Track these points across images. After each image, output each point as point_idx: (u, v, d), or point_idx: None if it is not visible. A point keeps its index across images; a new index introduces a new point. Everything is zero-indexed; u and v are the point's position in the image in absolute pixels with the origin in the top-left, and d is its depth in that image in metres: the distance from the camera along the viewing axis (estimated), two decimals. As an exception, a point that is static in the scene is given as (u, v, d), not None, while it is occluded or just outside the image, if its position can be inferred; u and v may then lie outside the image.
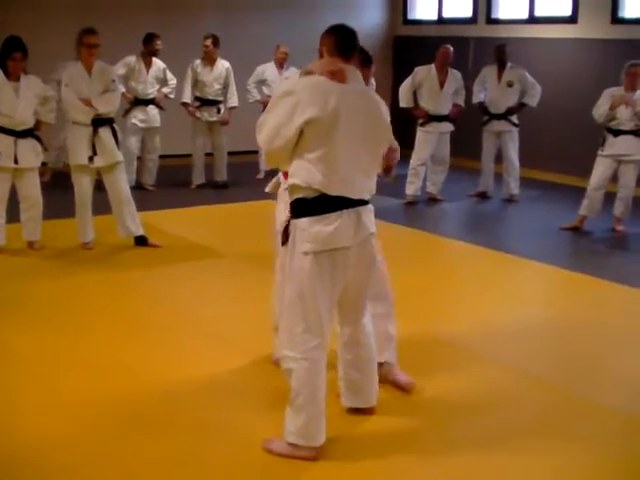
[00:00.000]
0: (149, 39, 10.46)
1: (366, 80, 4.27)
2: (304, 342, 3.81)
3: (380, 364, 4.53)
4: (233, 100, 11.06)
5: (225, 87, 11.02)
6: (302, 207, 3.81)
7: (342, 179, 3.79)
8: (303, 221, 3.79)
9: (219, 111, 11.03)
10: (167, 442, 4.04)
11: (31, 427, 4.16)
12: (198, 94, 10.97)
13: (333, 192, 3.75)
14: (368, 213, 4.01)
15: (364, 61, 4.40)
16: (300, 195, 3.81)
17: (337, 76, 3.80)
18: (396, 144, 4.32)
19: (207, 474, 3.77)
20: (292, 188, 3.84)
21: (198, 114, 10.95)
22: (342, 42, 3.95)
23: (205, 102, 10.99)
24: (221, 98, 11.02)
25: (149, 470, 3.78)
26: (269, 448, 3.93)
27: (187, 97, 10.92)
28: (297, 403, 3.84)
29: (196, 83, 10.94)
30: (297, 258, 3.82)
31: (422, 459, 3.94)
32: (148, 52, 10.51)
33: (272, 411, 4.17)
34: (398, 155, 4.34)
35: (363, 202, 3.95)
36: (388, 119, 4.08)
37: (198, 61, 10.90)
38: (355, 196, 3.85)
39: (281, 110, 3.77)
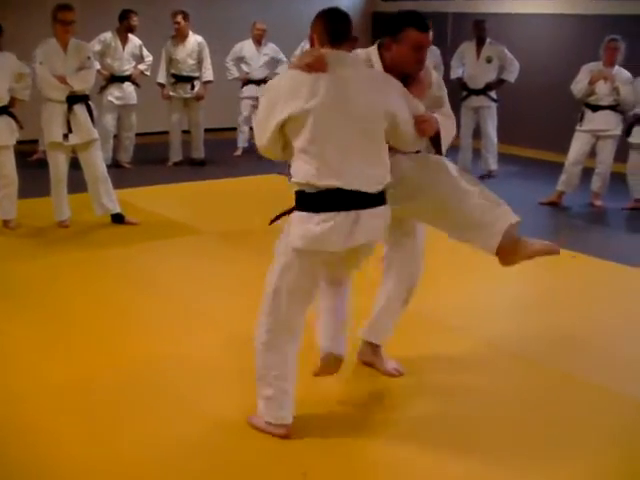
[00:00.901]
0: (125, 15, 10.35)
1: None
2: (272, 336, 3.83)
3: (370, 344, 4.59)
4: (207, 74, 10.95)
5: (199, 62, 10.92)
6: (301, 200, 3.73)
7: (333, 168, 3.63)
8: (296, 215, 3.73)
9: (193, 87, 10.95)
10: (151, 421, 4.03)
11: (14, 411, 4.14)
12: (173, 71, 10.88)
13: (324, 182, 3.61)
14: (372, 218, 3.73)
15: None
16: (300, 188, 3.73)
17: (315, 67, 3.69)
18: (438, 112, 4.14)
19: (187, 453, 3.75)
20: (295, 185, 3.76)
21: (172, 93, 10.89)
22: (331, 28, 3.79)
23: (180, 79, 10.89)
24: (196, 74, 10.92)
25: (134, 449, 3.77)
26: (251, 422, 3.97)
27: (162, 77, 10.83)
28: (263, 383, 3.90)
29: (170, 61, 10.86)
30: (285, 249, 3.78)
31: (399, 435, 3.94)
32: (124, 28, 10.39)
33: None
34: (434, 124, 4.02)
35: (369, 202, 3.71)
36: (397, 92, 3.86)
37: (170, 40, 10.81)
38: (354, 186, 3.62)
39: (262, 108, 3.78)
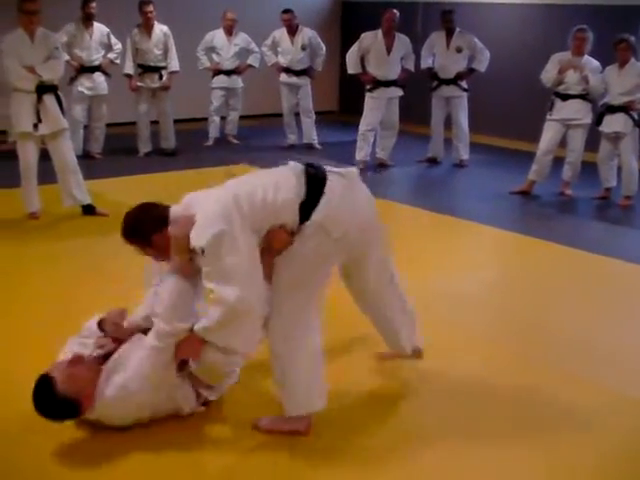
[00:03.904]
0: (84, 2, 10.24)
1: None
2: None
3: None
4: (173, 64, 10.88)
5: (165, 52, 10.86)
6: None
7: None
8: None
9: (161, 77, 10.88)
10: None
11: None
12: (140, 61, 10.81)
13: None
14: None
15: None
16: None
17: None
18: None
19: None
20: None
21: (140, 83, 10.83)
22: None
23: (147, 69, 10.82)
24: (163, 64, 10.84)
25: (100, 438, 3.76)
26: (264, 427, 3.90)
27: (129, 68, 10.75)
28: None
29: (137, 51, 10.78)
30: None
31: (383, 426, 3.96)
32: (84, 16, 10.31)
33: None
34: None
35: None
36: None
37: (136, 30, 10.74)
38: None
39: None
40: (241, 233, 3.56)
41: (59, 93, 7.52)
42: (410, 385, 4.43)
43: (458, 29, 10.59)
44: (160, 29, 10.77)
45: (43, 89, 7.35)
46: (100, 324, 4.01)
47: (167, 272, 3.86)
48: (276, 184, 3.74)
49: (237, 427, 3.91)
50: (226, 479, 3.58)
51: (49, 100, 7.38)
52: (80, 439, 3.75)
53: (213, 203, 3.65)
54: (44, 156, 7.68)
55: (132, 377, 3.67)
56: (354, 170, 4.01)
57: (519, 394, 4.34)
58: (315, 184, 3.76)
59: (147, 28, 10.70)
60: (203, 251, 3.54)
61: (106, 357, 3.82)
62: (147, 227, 3.87)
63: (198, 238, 3.57)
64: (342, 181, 3.86)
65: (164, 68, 10.85)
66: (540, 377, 4.54)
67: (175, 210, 3.83)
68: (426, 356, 4.58)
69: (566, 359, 4.81)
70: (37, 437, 3.76)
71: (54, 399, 3.56)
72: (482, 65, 10.55)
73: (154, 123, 11.12)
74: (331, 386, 3.87)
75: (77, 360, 3.69)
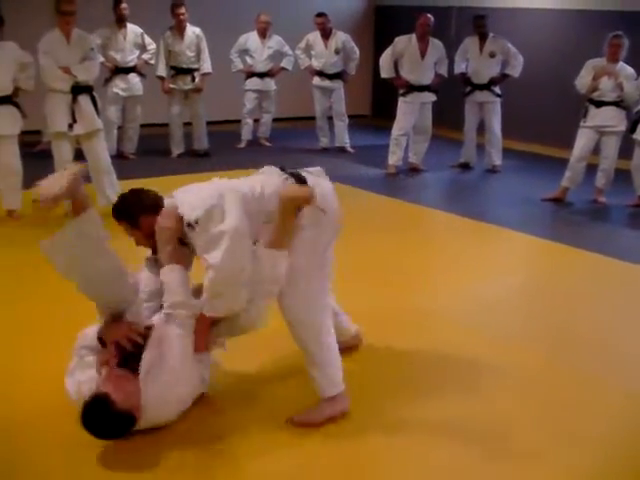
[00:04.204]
0: (115, 3, 10.33)
1: None
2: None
3: None
4: (205, 66, 10.93)
5: (198, 54, 10.90)
6: None
7: None
8: None
9: (194, 79, 10.93)
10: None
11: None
12: (172, 64, 10.87)
13: None
14: None
15: None
16: None
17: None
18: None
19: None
20: None
21: (172, 85, 10.88)
22: None
23: (180, 71, 10.88)
24: (195, 66, 10.90)
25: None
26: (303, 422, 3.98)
27: (162, 71, 10.82)
28: None
29: (169, 53, 10.84)
30: None
31: (402, 430, 3.95)
32: (117, 17, 10.40)
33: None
34: None
35: None
36: None
37: (168, 32, 10.79)
38: None
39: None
40: (232, 205, 3.75)
41: (94, 94, 7.58)
42: (443, 386, 4.42)
43: (492, 34, 10.55)
44: (192, 31, 10.82)
45: (78, 90, 7.43)
46: (101, 339, 3.92)
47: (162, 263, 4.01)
48: (262, 181, 4.02)
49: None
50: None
51: (84, 101, 7.45)
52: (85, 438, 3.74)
53: (207, 186, 3.97)
54: (78, 156, 7.74)
55: (172, 375, 3.72)
56: (320, 168, 4.28)
57: (547, 397, 4.32)
58: (297, 180, 4.02)
59: (179, 30, 10.76)
60: (197, 222, 3.72)
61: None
62: (135, 209, 4.07)
63: (192, 211, 3.76)
64: (315, 179, 4.10)
65: (197, 70, 10.91)
66: (568, 381, 4.52)
67: (167, 202, 3.99)
68: (456, 358, 4.59)
69: (593, 364, 4.78)
70: (40, 435, 3.80)
71: (114, 417, 3.55)
72: (516, 70, 10.50)
73: (187, 125, 11.18)
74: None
75: (124, 375, 3.71)
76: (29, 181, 7.64)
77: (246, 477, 3.57)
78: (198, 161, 10.77)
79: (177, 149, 11.17)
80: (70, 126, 7.41)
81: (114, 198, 7.66)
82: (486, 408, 4.19)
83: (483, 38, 10.53)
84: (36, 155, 9.77)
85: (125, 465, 3.60)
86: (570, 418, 4.12)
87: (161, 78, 10.83)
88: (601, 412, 4.20)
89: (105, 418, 3.55)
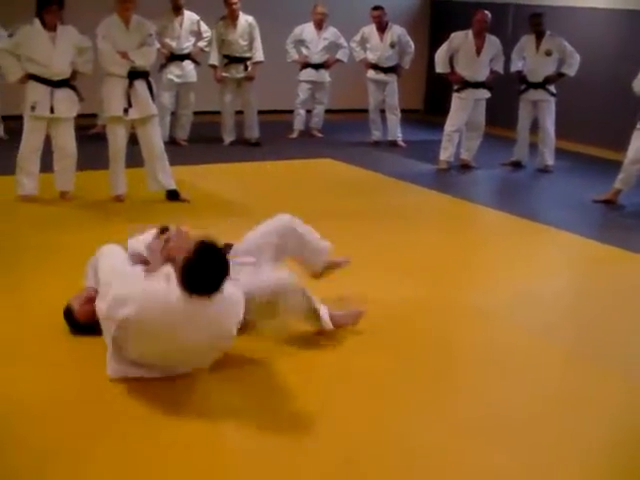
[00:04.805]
0: None
1: None
2: None
3: None
4: (258, 55, 10.95)
5: (250, 43, 10.94)
6: None
7: None
8: None
9: (246, 68, 10.97)
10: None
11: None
12: (225, 52, 10.92)
13: None
14: None
15: None
16: None
17: None
18: None
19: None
20: None
21: (225, 73, 10.95)
22: None
23: (232, 59, 10.93)
24: (248, 54, 10.93)
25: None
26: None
27: (214, 59, 10.88)
28: None
29: (222, 42, 10.90)
30: None
31: (444, 425, 3.95)
32: (173, 5, 10.49)
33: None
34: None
35: None
36: None
37: (221, 21, 10.84)
38: None
39: None
40: None
41: (150, 79, 7.65)
42: (487, 381, 4.42)
43: (548, 32, 10.44)
44: (245, 20, 10.86)
45: (135, 75, 7.50)
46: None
47: None
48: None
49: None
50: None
51: (140, 86, 7.52)
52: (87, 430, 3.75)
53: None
54: (132, 141, 7.83)
55: None
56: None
57: (592, 402, 4.30)
58: None
59: (232, 19, 10.80)
60: None
61: None
62: None
63: None
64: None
65: (249, 59, 10.94)
66: (610, 385, 4.48)
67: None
68: (501, 356, 4.59)
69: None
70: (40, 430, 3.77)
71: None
72: (572, 69, 10.39)
73: (239, 113, 11.23)
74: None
75: None
76: (82, 163, 7.84)
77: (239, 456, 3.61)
78: (249, 150, 10.83)
79: (228, 137, 11.23)
80: (125, 110, 7.49)
81: (165, 183, 7.80)
82: (526, 402, 4.18)
83: (540, 36, 10.44)
84: (90, 138, 9.90)
85: (116, 441, 3.62)
86: (611, 420, 4.10)
87: (213, 67, 10.90)
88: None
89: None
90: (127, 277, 4.10)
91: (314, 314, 4.63)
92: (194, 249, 3.82)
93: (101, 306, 4.06)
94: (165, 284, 3.84)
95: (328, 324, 4.67)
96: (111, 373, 4.07)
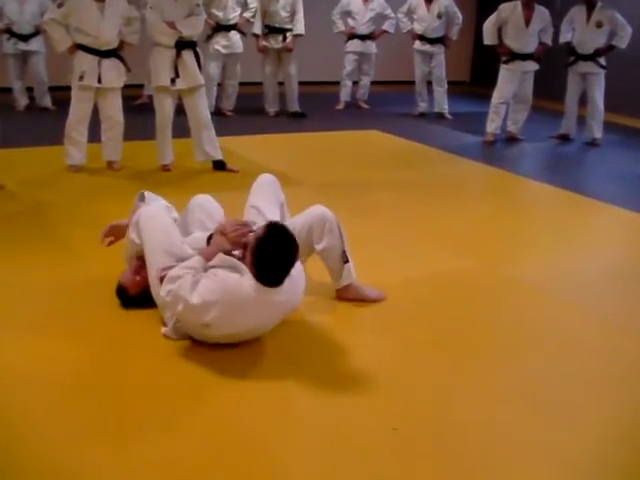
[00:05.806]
0: None
1: None
2: None
3: None
4: (298, 27, 10.94)
5: (292, 14, 10.93)
6: None
7: None
8: None
9: (285, 39, 10.96)
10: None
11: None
12: (267, 22, 10.93)
13: None
14: None
15: None
16: None
17: None
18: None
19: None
20: None
21: (265, 43, 10.95)
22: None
23: (272, 30, 10.95)
24: (288, 26, 10.94)
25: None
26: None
27: (257, 28, 10.90)
28: None
29: (265, 13, 10.89)
30: None
31: (475, 397, 3.95)
32: None
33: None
34: None
35: None
36: None
37: None
38: None
39: None
40: None
41: (198, 50, 7.67)
42: (535, 356, 4.41)
43: (600, 3, 10.29)
44: None
45: (182, 45, 7.52)
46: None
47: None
48: None
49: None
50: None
51: (187, 56, 7.54)
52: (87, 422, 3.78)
53: None
54: (179, 111, 7.86)
55: None
56: None
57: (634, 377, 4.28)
58: None
59: (276, -11, 10.80)
60: None
61: None
62: None
63: None
64: None
65: (289, 30, 10.92)
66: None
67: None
68: (548, 332, 4.57)
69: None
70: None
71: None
72: (623, 42, 10.24)
73: (281, 84, 11.24)
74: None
75: None
76: (129, 134, 7.90)
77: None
78: (295, 121, 10.84)
79: (271, 108, 11.27)
80: (172, 81, 7.52)
81: (212, 153, 7.84)
82: (569, 381, 4.17)
83: (591, 7, 10.29)
84: (137, 109, 9.96)
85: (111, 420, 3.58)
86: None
87: (255, 35, 10.92)
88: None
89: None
90: (189, 270, 3.96)
91: (342, 259, 4.63)
92: (265, 229, 3.86)
93: (153, 276, 4.20)
94: (237, 275, 3.86)
95: (350, 276, 4.67)
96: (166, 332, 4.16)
